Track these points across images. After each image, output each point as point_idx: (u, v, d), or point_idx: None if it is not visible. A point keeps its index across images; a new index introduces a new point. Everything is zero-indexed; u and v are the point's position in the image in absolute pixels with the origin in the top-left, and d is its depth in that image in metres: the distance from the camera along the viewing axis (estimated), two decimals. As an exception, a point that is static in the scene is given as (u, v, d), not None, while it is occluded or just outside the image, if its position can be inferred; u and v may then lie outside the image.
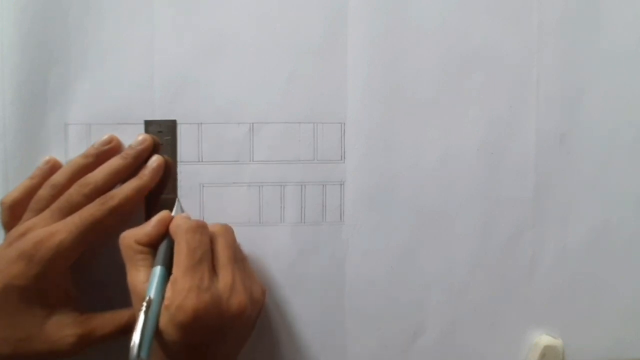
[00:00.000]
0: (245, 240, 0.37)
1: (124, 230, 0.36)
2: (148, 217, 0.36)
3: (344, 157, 0.37)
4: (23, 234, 0.32)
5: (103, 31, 0.36)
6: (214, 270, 0.31)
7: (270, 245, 0.37)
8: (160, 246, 0.32)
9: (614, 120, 0.38)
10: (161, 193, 0.36)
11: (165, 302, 0.29)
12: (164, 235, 0.33)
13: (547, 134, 0.38)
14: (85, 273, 0.36)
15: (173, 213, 0.35)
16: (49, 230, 0.32)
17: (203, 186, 0.37)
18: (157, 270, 0.31)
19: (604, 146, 0.38)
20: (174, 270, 0.30)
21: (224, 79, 0.37)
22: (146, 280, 0.31)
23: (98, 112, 0.36)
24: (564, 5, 0.38)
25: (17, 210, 0.34)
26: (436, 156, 0.38)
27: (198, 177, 0.37)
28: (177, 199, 0.36)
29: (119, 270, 0.36)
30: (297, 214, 0.37)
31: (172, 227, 0.33)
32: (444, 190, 0.38)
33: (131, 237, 0.32)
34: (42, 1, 0.35)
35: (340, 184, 0.37)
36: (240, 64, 0.37)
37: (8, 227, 0.34)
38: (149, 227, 0.33)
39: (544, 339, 0.38)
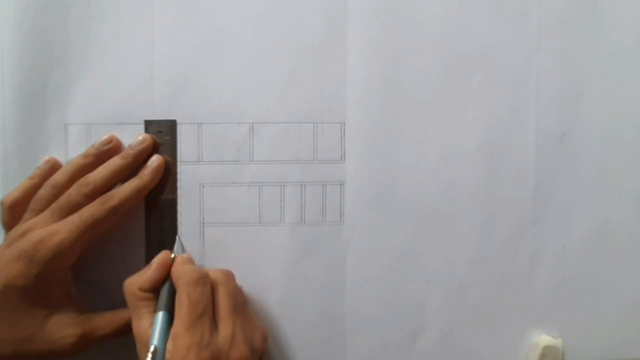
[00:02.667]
0: (245, 240, 0.37)
1: (124, 229, 0.36)
2: (148, 217, 0.36)
3: (344, 157, 0.37)
4: (23, 234, 0.32)
5: (103, 31, 0.36)
6: (214, 322, 0.31)
7: (270, 245, 0.37)
8: (161, 290, 0.32)
9: (614, 120, 0.38)
10: (161, 193, 0.36)
11: (167, 355, 0.29)
12: (165, 278, 0.33)
13: (547, 134, 0.38)
14: (85, 273, 0.36)
15: (174, 251, 0.35)
16: (49, 230, 0.32)
17: (203, 186, 0.37)
18: (160, 316, 0.30)
19: (604, 146, 0.38)
20: (175, 322, 0.30)
21: (224, 78, 0.37)
22: (149, 326, 0.31)
23: (98, 112, 0.36)
24: (564, 5, 0.38)
25: (17, 210, 0.34)
26: (436, 156, 0.38)
27: (198, 177, 0.37)
28: (177, 237, 0.36)
29: (119, 270, 0.36)
30: (297, 214, 0.37)
31: (174, 274, 0.32)
32: (444, 190, 0.38)
33: (134, 284, 0.32)
34: (42, 1, 0.35)
35: (340, 184, 0.37)
36: (240, 64, 0.37)
37: (8, 227, 0.34)
38: (150, 272, 0.32)
39: (544, 339, 0.38)
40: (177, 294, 0.31)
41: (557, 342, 0.38)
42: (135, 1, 0.36)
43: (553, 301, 0.39)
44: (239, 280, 0.36)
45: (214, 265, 0.37)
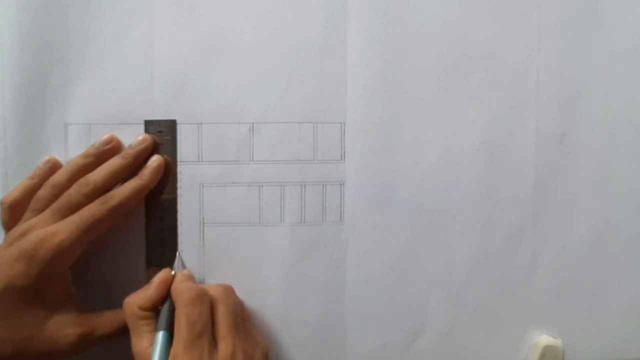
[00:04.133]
0: (245, 240, 0.37)
1: (124, 229, 0.36)
2: (148, 217, 0.36)
3: (344, 157, 0.37)
4: (23, 234, 0.32)
5: (103, 31, 0.36)
6: (214, 339, 0.31)
7: (270, 245, 0.37)
8: (162, 310, 0.32)
9: (614, 120, 0.38)
10: (161, 193, 0.36)
11: None
12: (166, 297, 0.33)
13: (547, 134, 0.38)
14: (86, 273, 0.36)
15: (174, 268, 0.35)
16: (49, 230, 0.32)
17: (203, 186, 0.37)
18: (160, 336, 0.30)
19: (604, 146, 0.38)
20: (174, 343, 0.30)
21: (224, 78, 0.37)
22: (150, 345, 0.30)
23: (98, 112, 0.36)
24: (564, 5, 0.38)
25: (17, 210, 0.34)
26: (436, 156, 0.38)
27: (198, 177, 0.37)
28: (177, 253, 0.36)
29: (119, 270, 0.36)
30: (297, 214, 0.37)
31: (173, 292, 0.32)
32: (444, 190, 0.38)
33: (134, 303, 0.32)
34: (42, 1, 0.35)
35: (340, 184, 0.37)
36: (240, 64, 0.37)
37: (8, 227, 0.34)
38: (151, 290, 0.32)
39: (544, 339, 0.38)
40: (176, 313, 0.31)
41: (557, 342, 0.38)
42: (135, 1, 0.36)
43: (553, 301, 0.39)
44: (240, 281, 0.36)
45: (214, 265, 0.37)
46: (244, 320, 0.34)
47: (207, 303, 0.31)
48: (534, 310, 0.39)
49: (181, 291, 0.31)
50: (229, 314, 0.32)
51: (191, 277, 0.35)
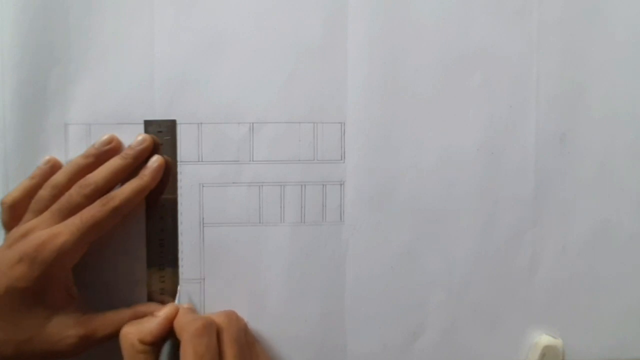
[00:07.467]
0: (245, 240, 0.37)
1: (124, 229, 0.36)
2: (149, 217, 0.36)
3: (344, 157, 0.37)
4: (24, 235, 0.32)
5: (103, 31, 0.36)
6: None
7: (270, 245, 0.37)
8: (164, 346, 0.31)
9: (614, 120, 0.38)
10: (161, 193, 0.36)
11: None
12: (169, 333, 0.32)
13: (547, 134, 0.38)
14: (86, 273, 0.36)
15: (175, 301, 0.35)
16: (50, 232, 0.32)
17: (203, 186, 0.37)
18: None
19: (604, 146, 0.38)
20: None
21: (224, 78, 0.36)
22: None
23: (98, 112, 0.36)
24: (564, 5, 0.38)
25: (17, 210, 0.34)
26: (436, 156, 0.38)
27: (198, 177, 0.37)
28: (179, 287, 0.36)
29: (120, 271, 0.36)
30: (297, 214, 0.37)
31: (177, 326, 0.31)
32: (444, 190, 0.38)
33: (134, 335, 0.31)
34: (42, 1, 0.35)
35: (340, 184, 0.37)
36: (240, 64, 0.36)
37: (8, 227, 0.34)
38: (155, 325, 0.31)
39: (544, 339, 0.38)
40: (182, 346, 0.30)
41: (557, 342, 0.38)
42: (135, 1, 0.36)
43: (553, 301, 0.39)
44: (240, 281, 0.36)
45: (214, 265, 0.37)
46: (249, 345, 0.33)
47: (214, 333, 0.31)
48: (534, 310, 0.39)
49: (186, 324, 0.31)
50: (233, 343, 0.31)
51: (193, 311, 0.34)
